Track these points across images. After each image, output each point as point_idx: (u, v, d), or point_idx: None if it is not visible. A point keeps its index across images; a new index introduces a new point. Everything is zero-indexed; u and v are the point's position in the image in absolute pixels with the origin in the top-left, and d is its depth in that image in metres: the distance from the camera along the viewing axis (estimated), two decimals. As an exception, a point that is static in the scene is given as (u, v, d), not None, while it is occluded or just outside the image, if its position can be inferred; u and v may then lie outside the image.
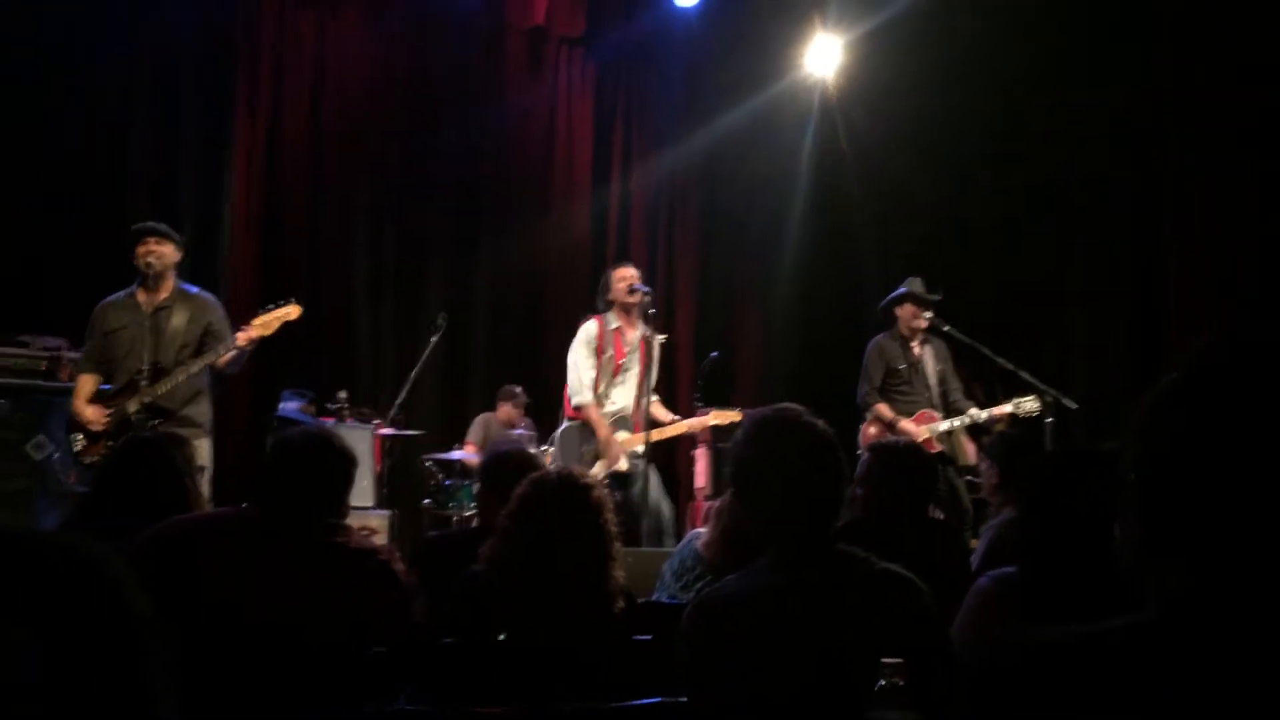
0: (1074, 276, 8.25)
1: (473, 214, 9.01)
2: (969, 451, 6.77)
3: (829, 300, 9.50)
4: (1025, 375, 6.49)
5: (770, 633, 2.03)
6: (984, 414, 6.66)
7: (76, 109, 7.65)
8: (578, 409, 6.30)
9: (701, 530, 3.62)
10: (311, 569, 2.67)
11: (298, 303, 5.56)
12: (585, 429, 6.27)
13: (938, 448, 6.56)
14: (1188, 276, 7.31)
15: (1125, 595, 1.15)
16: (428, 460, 7.69)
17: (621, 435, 6.26)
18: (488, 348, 8.93)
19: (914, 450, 3.99)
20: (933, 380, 6.83)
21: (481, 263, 8.96)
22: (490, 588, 2.70)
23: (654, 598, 3.52)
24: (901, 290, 6.94)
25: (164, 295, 5.45)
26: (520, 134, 9.21)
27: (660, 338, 6.44)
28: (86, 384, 5.42)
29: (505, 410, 8.25)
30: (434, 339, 7.15)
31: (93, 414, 5.30)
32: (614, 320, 6.37)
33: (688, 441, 8.41)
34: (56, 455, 5.67)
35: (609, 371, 6.31)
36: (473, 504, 7.04)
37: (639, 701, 2.23)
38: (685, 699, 2.13)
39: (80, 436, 5.33)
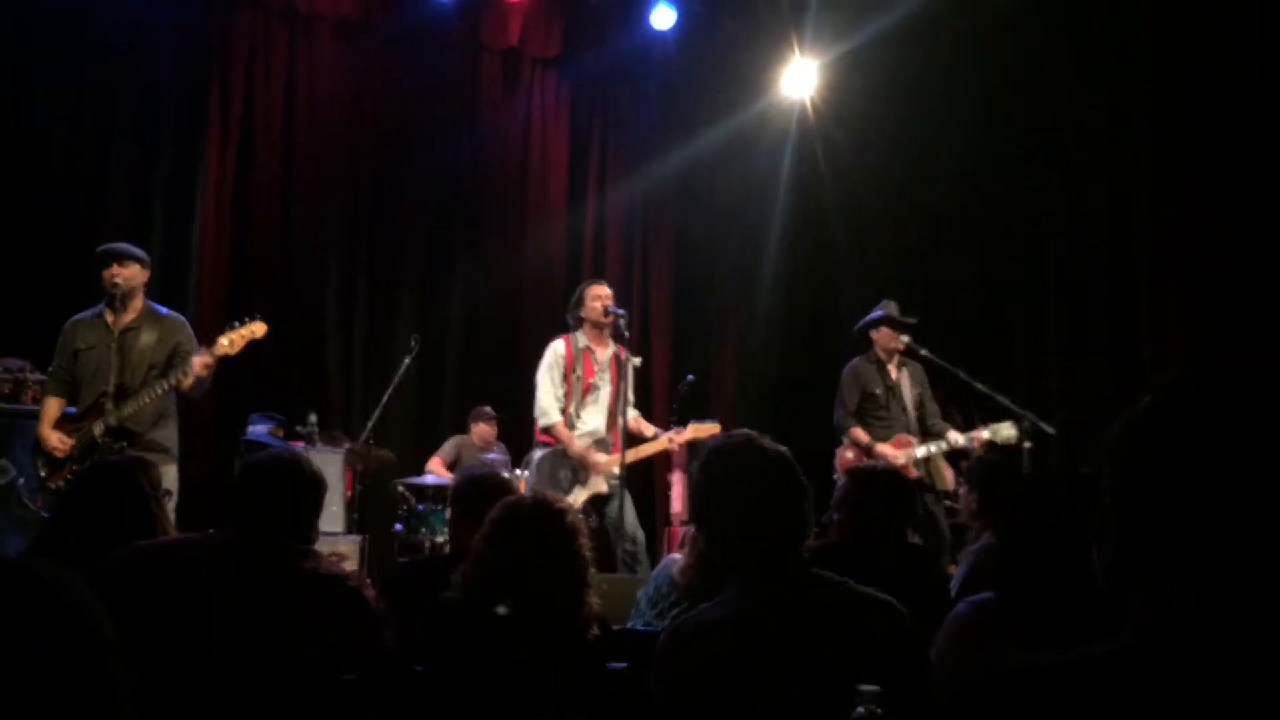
0: (1050, 300, 8.29)
1: (447, 234, 8.98)
2: (947, 477, 6.77)
3: (806, 322, 9.51)
4: (1002, 399, 6.49)
5: (746, 660, 2.01)
6: (961, 439, 6.66)
7: (46, 131, 7.61)
8: (545, 430, 6.25)
9: (677, 556, 3.59)
10: (280, 595, 2.64)
11: (263, 320, 5.48)
12: (560, 455, 6.21)
13: (915, 473, 6.54)
14: (1162, 301, 7.36)
15: (1105, 620, 1.14)
16: (399, 485, 7.63)
17: (602, 458, 6.22)
18: (461, 370, 8.88)
19: (892, 475, 3.97)
20: (910, 404, 6.83)
21: (455, 283, 8.93)
22: (463, 614, 2.66)
23: (629, 624, 3.48)
24: (877, 313, 6.94)
25: (132, 316, 5.40)
26: (495, 155, 9.20)
27: (636, 360, 6.40)
28: (52, 407, 5.36)
29: (479, 430, 8.21)
30: (407, 361, 7.10)
31: (57, 440, 5.24)
32: (583, 339, 6.33)
33: (663, 466, 8.38)
34: (21, 480, 5.59)
35: (578, 392, 6.26)
36: (445, 529, 6.98)
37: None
38: (660, 728, 2.09)
39: (43, 461, 5.26)
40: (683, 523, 7.87)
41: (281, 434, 7.22)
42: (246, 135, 8.29)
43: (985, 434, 6.57)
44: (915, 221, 8.92)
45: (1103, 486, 1.11)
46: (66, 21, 7.63)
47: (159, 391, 5.24)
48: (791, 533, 2.16)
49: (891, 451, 6.60)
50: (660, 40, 9.16)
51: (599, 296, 6.33)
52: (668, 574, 3.51)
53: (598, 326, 6.32)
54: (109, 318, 5.38)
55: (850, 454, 6.72)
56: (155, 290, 5.70)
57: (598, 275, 7.96)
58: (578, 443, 6.16)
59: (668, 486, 8.33)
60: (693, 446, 6.86)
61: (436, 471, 7.84)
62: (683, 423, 6.61)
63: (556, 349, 6.32)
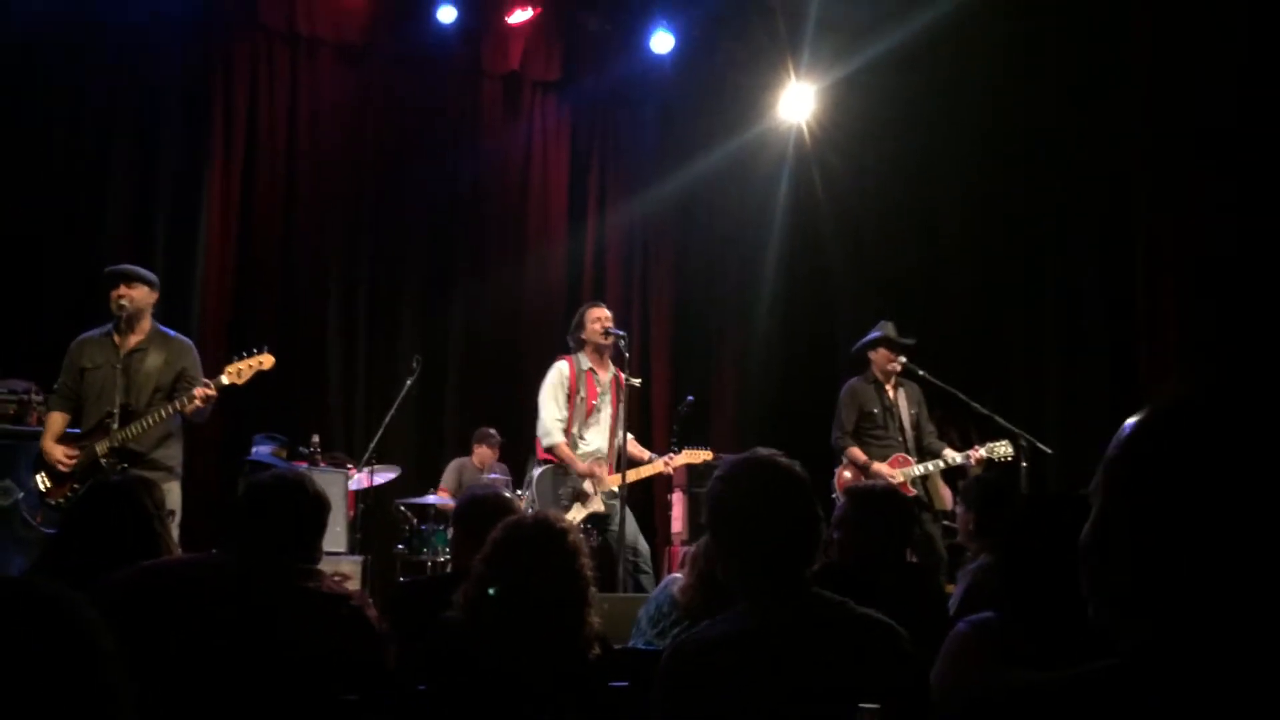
0: (1047, 321, 8.30)
1: (448, 257, 9.01)
2: (945, 496, 6.78)
3: (804, 343, 9.54)
4: (1000, 420, 6.51)
5: (747, 678, 2.02)
6: (958, 458, 6.68)
7: (51, 151, 7.65)
8: (548, 450, 6.27)
9: (678, 575, 3.60)
10: (284, 615, 2.64)
11: (270, 351, 5.49)
12: (560, 472, 6.24)
13: (912, 492, 6.56)
14: (1159, 321, 7.38)
15: (1103, 639, 1.15)
16: (401, 505, 7.63)
17: (606, 473, 6.26)
18: (462, 391, 8.90)
19: (891, 494, 3.99)
20: (907, 424, 6.85)
21: (456, 306, 8.96)
22: (465, 633, 2.67)
23: (630, 643, 3.49)
24: (875, 334, 6.97)
25: (139, 338, 5.41)
26: (496, 177, 9.24)
27: (635, 381, 6.43)
28: (56, 422, 5.37)
29: (480, 452, 8.22)
30: (409, 382, 7.11)
31: (61, 454, 5.25)
32: (585, 361, 6.36)
33: (663, 486, 8.38)
34: (21, 497, 5.59)
35: (582, 413, 6.29)
36: (446, 549, 6.98)
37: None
38: (662, 746, 2.10)
39: (44, 477, 5.27)
40: (683, 542, 7.86)
41: (285, 454, 7.22)
42: (249, 158, 8.34)
43: (982, 453, 6.59)
44: (912, 243, 8.96)
45: (1098, 510, 1.12)
46: (72, 47, 7.68)
47: (163, 414, 5.25)
48: (802, 554, 2.18)
49: (889, 471, 6.61)
50: (659, 65, 9.22)
51: (599, 319, 6.36)
52: (668, 593, 3.52)
53: (598, 349, 6.35)
54: (116, 338, 5.38)
55: (848, 474, 6.74)
56: (158, 312, 5.72)
57: (597, 297, 7.99)
58: (580, 462, 6.19)
59: (668, 506, 8.33)
60: (691, 468, 6.91)
61: (441, 498, 7.83)
62: (682, 443, 6.66)
63: (561, 370, 6.34)
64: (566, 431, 6.26)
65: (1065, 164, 8.06)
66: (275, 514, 2.76)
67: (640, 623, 3.60)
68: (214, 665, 2.52)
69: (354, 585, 6.34)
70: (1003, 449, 6.52)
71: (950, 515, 6.42)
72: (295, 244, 8.45)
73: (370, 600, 2.88)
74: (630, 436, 6.35)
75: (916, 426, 6.88)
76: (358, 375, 8.58)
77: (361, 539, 7.15)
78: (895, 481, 6.39)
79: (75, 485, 5.17)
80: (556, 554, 2.70)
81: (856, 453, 6.74)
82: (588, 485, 6.22)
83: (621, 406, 6.31)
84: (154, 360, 5.38)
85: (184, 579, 2.71)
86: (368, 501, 7.18)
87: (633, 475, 6.23)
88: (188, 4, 7.97)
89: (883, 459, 6.71)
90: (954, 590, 4.34)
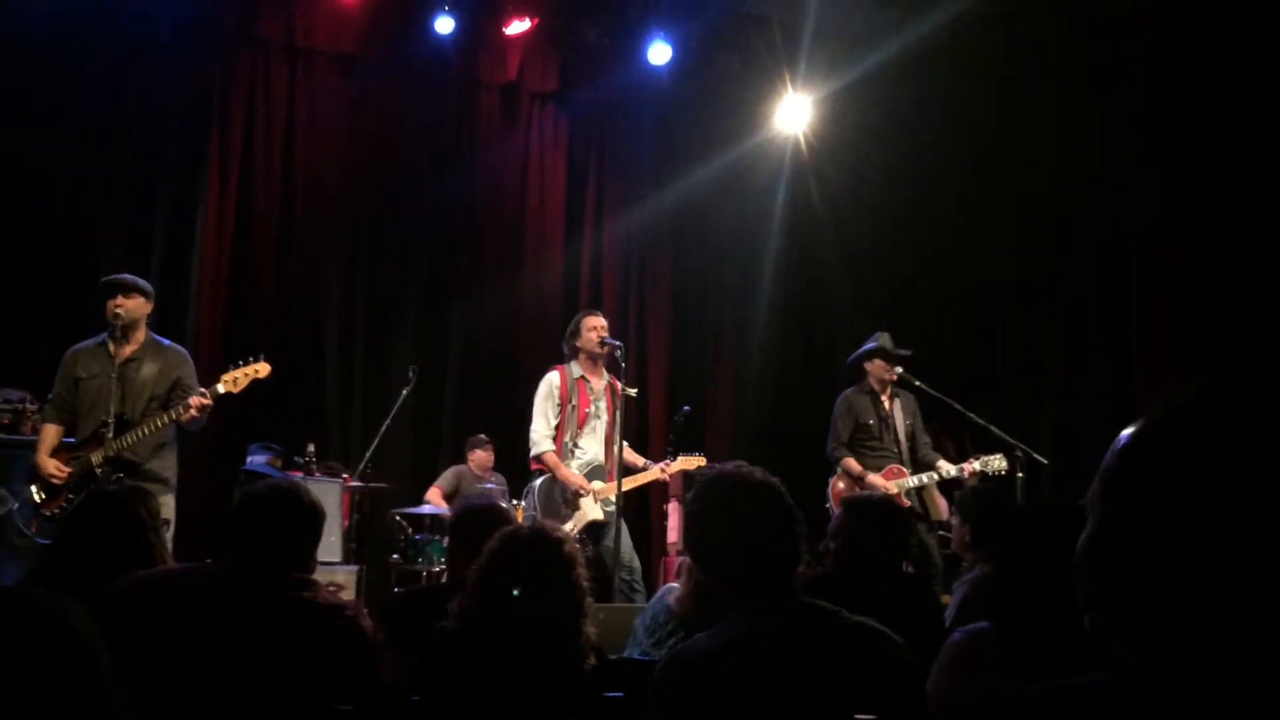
0: (1044, 331, 8.32)
1: (445, 267, 9.01)
2: (941, 507, 6.79)
3: (800, 354, 9.55)
4: (995, 430, 6.52)
5: (743, 688, 2.02)
6: (952, 470, 6.68)
7: (48, 162, 7.64)
8: (536, 459, 6.29)
9: (674, 585, 3.59)
10: (278, 625, 2.64)
11: (267, 360, 5.50)
12: (557, 481, 6.25)
13: (907, 503, 6.56)
14: (1154, 330, 7.39)
15: (1099, 649, 1.15)
16: (397, 514, 7.62)
17: (596, 485, 6.25)
18: (459, 401, 8.89)
19: (887, 504, 3.99)
20: (902, 435, 6.86)
21: (453, 315, 8.95)
22: (460, 643, 2.66)
23: (626, 654, 3.48)
24: (871, 345, 6.98)
25: (134, 347, 5.41)
26: (493, 188, 9.24)
27: (631, 391, 6.43)
28: (50, 435, 5.37)
29: (476, 456, 8.21)
30: (405, 392, 7.10)
31: (54, 467, 5.24)
32: (578, 369, 6.37)
33: (659, 495, 8.38)
34: (16, 507, 5.58)
35: (574, 421, 6.30)
36: (442, 559, 6.97)
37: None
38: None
39: (40, 489, 5.26)
40: (679, 552, 7.86)
41: (280, 464, 7.22)
42: (246, 168, 8.34)
43: (976, 465, 6.59)
44: (908, 254, 8.98)
45: (1096, 518, 1.12)
46: (70, 57, 7.68)
47: (159, 424, 5.25)
48: (782, 562, 2.18)
49: (883, 481, 6.62)
50: (656, 76, 9.23)
51: (594, 327, 6.37)
52: (664, 603, 3.51)
53: (593, 357, 6.36)
54: (111, 348, 5.38)
55: (843, 484, 6.75)
56: (155, 321, 5.72)
57: (594, 306, 7.98)
58: (565, 469, 6.20)
59: (664, 516, 8.33)
60: (686, 476, 6.91)
61: (434, 502, 7.83)
62: (677, 454, 6.66)
63: (552, 380, 6.35)
64: (558, 441, 6.27)
65: (1061, 174, 8.08)
66: (270, 524, 2.76)
67: (637, 633, 3.59)
68: (208, 675, 2.51)
69: (349, 595, 6.33)
70: (997, 463, 6.53)
71: (946, 526, 6.43)
72: (292, 253, 8.45)
73: (365, 610, 2.88)
74: (624, 444, 6.36)
75: (911, 438, 6.89)
76: (354, 385, 8.57)
77: (356, 549, 7.13)
78: (890, 493, 6.39)
79: (70, 496, 5.17)
80: (552, 564, 2.69)
81: (852, 463, 6.75)
82: (581, 493, 6.23)
83: (618, 415, 6.32)
84: (149, 370, 5.38)
85: (179, 589, 2.70)
86: (363, 511, 7.16)
87: (630, 483, 6.26)
88: (186, 15, 7.98)
89: (877, 470, 6.72)
90: (950, 601, 4.34)
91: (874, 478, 6.65)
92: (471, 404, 8.85)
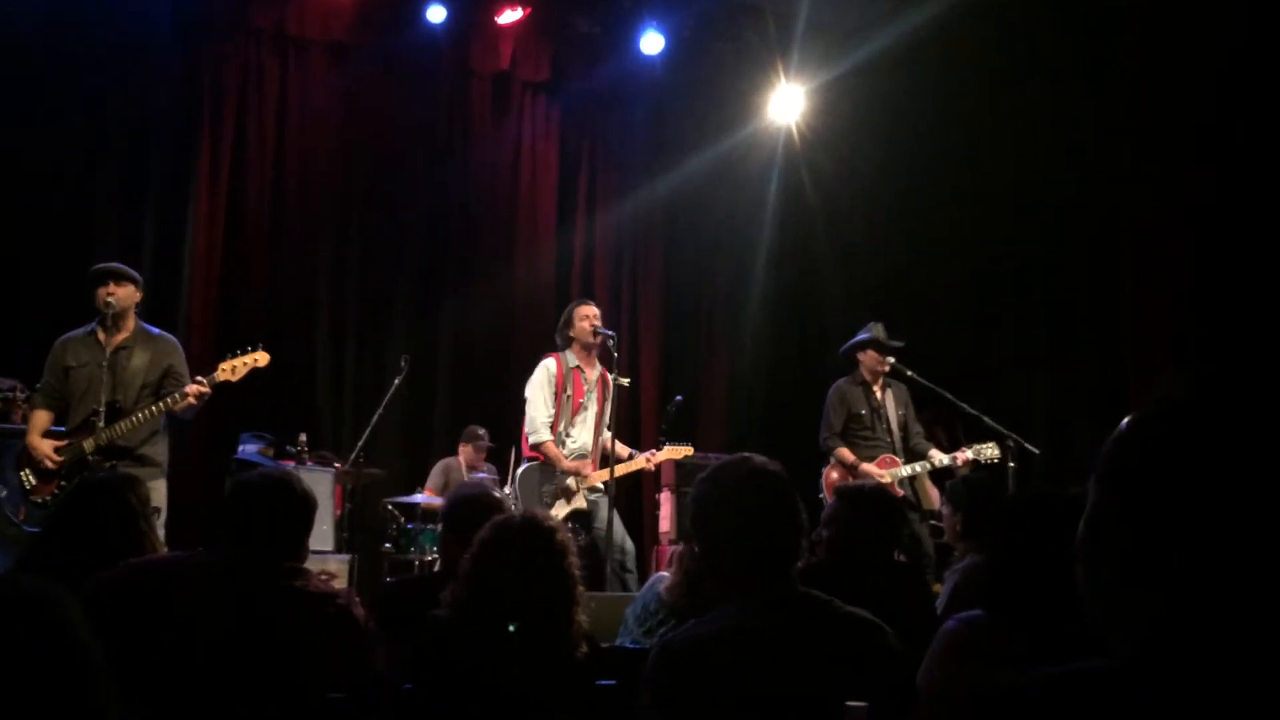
0: (1036, 321, 8.34)
1: (437, 257, 9.00)
2: (933, 496, 6.80)
3: (793, 344, 9.55)
4: (987, 420, 6.53)
5: (734, 676, 2.02)
6: (944, 459, 6.70)
7: (38, 151, 7.61)
8: (535, 448, 6.28)
9: (665, 574, 3.60)
10: (270, 613, 2.63)
11: (265, 349, 5.48)
12: (544, 469, 6.26)
13: (900, 493, 6.57)
14: (1147, 322, 7.41)
15: (1092, 638, 1.15)
16: (389, 504, 7.61)
17: (592, 470, 6.28)
18: (452, 391, 8.88)
19: (880, 494, 4.00)
20: (894, 425, 6.86)
21: (446, 305, 8.94)
22: (452, 632, 2.66)
23: (617, 642, 3.49)
24: (863, 335, 6.98)
25: (124, 335, 5.40)
26: (485, 178, 9.22)
27: (623, 381, 6.43)
28: (41, 419, 5.35)
29: (465, 452, 8.19)
30: (396, 381, 7.09)
31: (48, 448, 5.22)
32: (573, 359, 6.37)
33: (651, 485, 8.38)
34: (4, 494, 5.56)
35: (568, 410, 6.30)
36: (434, 548, 6.96)
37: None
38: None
39: (29, 473, 5.24)
40: (671, 541, 7.86)
41: (272, 453, 7.21)
42: (238, 157, 8.32)
43: (968, 454, 6.61)
44: (901, 245, 8.98)
45: (1092, 508, 1.12)
46: (60, 47, 7.65)
47: (153, 411, 5.24)
48: (784, 553, 2.18)
49: (876, 471, 6.63)
50: (649, 66, 9.22)
51: (587, 316, 6.37)
52: (655, 592, 3.52)
53: (586, 347, 6.36)
54: (101, 336, 5.36)
55: (835, 474, 6.76)
56: (145, 311, 5.70)
57: (586, 296, 7.97)
58: (565, 460, 6.21)
59: (656, 505, 8.33)
60: (678, 466, 6.92)
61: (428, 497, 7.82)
62: (666, 444, 6.67)
63: (549, 367, 6.34)
64: (553, 429, 6.27)
65: (1054, 165, 8.09)
66: (262, 512, 2.75)
67: (628, 621, 3.60)
68: (199, 664, 2.51)
69: (340, 584, 6.32)
70: (989, 451, 6.55)
71: (937, 515, 6.44)
72: (283, 243, 8.43)
73: (357, 599, 2.88)
74: (609, 434, 6.37)
75: (904, 427, 6.90)
76: (345, 375, 8.55)
77: (349, 538, 7.13)
78: (883, 482, 6.41)
79: (61, 482, 5.16)
80: (544, 553, 2.70)
81: (845, 453, 6.75)
82: (570, 482, 6.23)
83: (609, 405, 6.32)
84: (140, 358, 5.36)
85: (170, 577, 2.70)
86: (355, 500, 7.15)
87: (621, 470, 6.25)
88: (177, 5, 7.94)
89: (870, 460, 6.72)
90: (941, 590, 4.35)
91: (867, 467, 6.66)
92: (463, 393, 8.84)
